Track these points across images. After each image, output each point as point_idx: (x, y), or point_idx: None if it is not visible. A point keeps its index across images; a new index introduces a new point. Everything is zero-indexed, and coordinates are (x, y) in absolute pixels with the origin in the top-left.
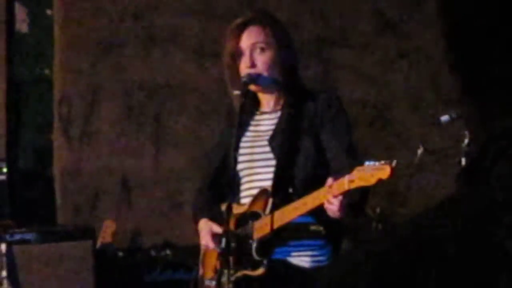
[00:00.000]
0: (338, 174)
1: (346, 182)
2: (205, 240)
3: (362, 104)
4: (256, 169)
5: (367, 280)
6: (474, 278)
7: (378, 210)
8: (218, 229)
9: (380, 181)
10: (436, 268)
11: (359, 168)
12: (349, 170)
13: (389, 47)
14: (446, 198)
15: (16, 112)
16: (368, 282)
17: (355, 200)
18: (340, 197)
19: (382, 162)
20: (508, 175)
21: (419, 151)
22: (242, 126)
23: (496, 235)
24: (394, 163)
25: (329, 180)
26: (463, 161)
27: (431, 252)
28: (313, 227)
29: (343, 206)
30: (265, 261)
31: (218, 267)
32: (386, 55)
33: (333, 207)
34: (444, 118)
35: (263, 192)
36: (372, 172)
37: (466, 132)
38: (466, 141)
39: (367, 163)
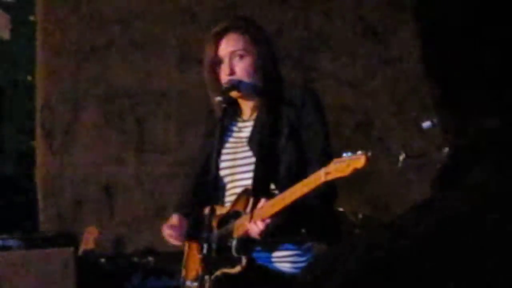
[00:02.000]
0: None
1: (323, 174)
2: (163, 229)
3: (345, 111)
4: (238, 175)
5: (336, 283)
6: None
7: (360, 216)
8: (175, 220)
9: (355, 170)
10: (408, 275)
11: (336, 160)
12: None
13: (372, 53)
14: (417, 204)
15: None
16: (339, 285)
17: (279, 222)
18: (268, 220)
19: (358, 152)
20: (482, 181)
21: (401, 157)
22: (224, 133)
23: (465, 243)
24: (369, 153)
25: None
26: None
27: (403, 259)
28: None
29: (265, 229)
30: (243, 259)
31: (200, 271)
32: (369, 62)
33: (255, 229)
34: (426, 124)
35: (244, 192)
36: (348, 162)
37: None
38: (447, 148)
39: (344, 154)
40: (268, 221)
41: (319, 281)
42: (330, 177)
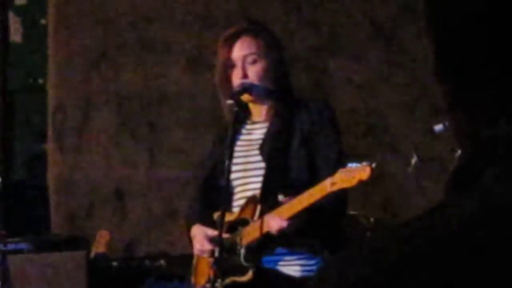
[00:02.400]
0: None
1: (329, 185)
2: (200, 244)
3: (355, 114)
4: (249, 178)
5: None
6: None
7: (372, 219)
8: (212, 232)
9: (360, 182)
10: (419, 278)
11: (341, 170)
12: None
13: (382, 56)
14: (431, 206)
15: (10, 121)
16: None
17: (298, 224)
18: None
19: (364, 163)
20: (494, 185)
21: (413, 161)
22: (235, 136)
23: (481, 244)
24: (374, 164)
25: (280, 196)
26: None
27: (414, 263)
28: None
29: (292, 227)
30: (252, 267)
31: (211, 275)
32: (379, 64)
33: (281, 224)
34: (438, 127)
35: (252, 199)
36: (353, 173)
37: None
38: (460, 151)
39: (349, 164)
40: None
41: (335, 280)
42: (335, 188)
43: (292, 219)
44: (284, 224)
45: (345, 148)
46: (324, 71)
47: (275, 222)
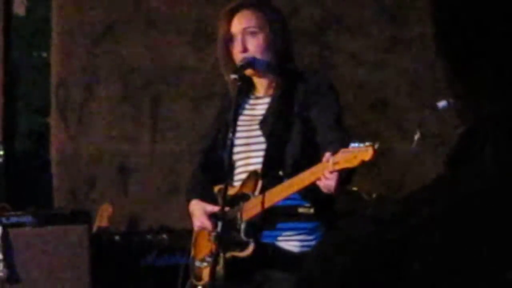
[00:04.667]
0: (331, 148)
1: (331, 164)
2: (200, 221)
3: (359, 89)
4: (251, 153)
5: (345, 266)
6: (462, 266)
7: (374, 195)
8: (211, 208)
9: (362, 162)
10: (420, 255)
11: (343, 150)
12: (338, 144)
13: (387, 32)
14: (432, 181)
15: (13, 95)
16: (346, 268)
17: (343, 177)
18: (336, 173)
19: (366, 143)
20: (494, 159)
21: (416, 137)
22: (238, 110)
23: (483, 220)
24: (376, 145)
25: (327, 155)
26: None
27: (415, 238)
28: (302, 209)
29: (338, 181)
30: (252, 242)
31: (214, 250)
32: (384, 40)
33: (330, 182)
34: (442, 103)
35: (253, 174)
36: (355, 153)
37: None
38: (463, 126)
39: (352, 144)
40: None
41: (331, 257)
42: (338, 167)
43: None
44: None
45: (348, 123)
46: (328, 46)
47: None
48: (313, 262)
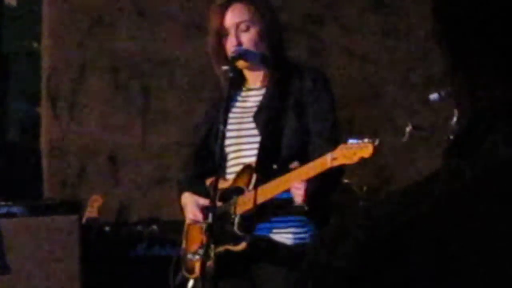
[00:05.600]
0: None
1: (329, 160)
2: (193, 214)
3: (351, 82)
4: (242, 145)
5: (347, 258)
6: (462, 259)
7: (365, 188)
8: (204, 201)
9: (362, 159)
10: (419, 247)
11: (342, 146)
12: (329, 148)
13: (379, 24)
14: (431, 174)
15: (4, 84)
16: (348, 261)
17: (315, 187)
18: (305, 183)
19: (366, 140)
20: (494, 148)
21: (408, 129)
22: (230, 102)
23: (482, 211)
24: (377, 141)
25: (295, 163)
26: (452, 138)
27: (413, 231)
28: (295, 204)
29: (307, 192)
30: (247, 237)
31: (204, 242)
32: (375, 33)
33: (299, 192)
34: (433, 96)
35: (247, 168)
36: (355, 150)
37: (455, 110)
38: (455, 118)
39: (350, 140)
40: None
41: (330, 248)
42: (336, 163)
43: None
44: (302, 191)
45: (340, 117)
46: (320, 39)
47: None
48: (318, 249)
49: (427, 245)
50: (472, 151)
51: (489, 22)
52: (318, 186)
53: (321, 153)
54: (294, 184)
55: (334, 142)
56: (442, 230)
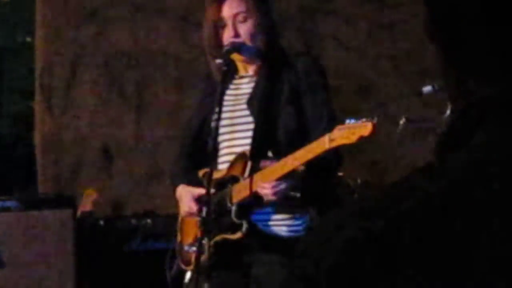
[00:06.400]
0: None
1: (327, 141)
2: (188, 206)
3: (345, 75)
4: (236, 134)
5: (338, 250)
6: (454, 254)
7: (359, 181)
8: (199, 191)
9: (361, 138)
10: (410, 241)
11: (339, 126)
12: (325, 123)
13: (373, 17)
14: (423, 166)
15: None
16: (339, 253)
17: (294, 186)
18: (274, 182)
19: (363, 119)
20: (484, 142)
21: (401, 122)
22: (223, 95)
23: (474, 205)
24: (375, 119)
25: (266, 162)
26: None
27: (406, 224)
28: (290, 193)
29: (278, 192)
30: (244, 224)
31: (199, 234)
32: (369, 26)
33: (266, 191)
34: (427, 89)
35: (241, 156)
36: (353, 129)
37: (448, 103)
38: (448, 111)
39: (347, 121)
40: (279, 184)
41: (323, 243)
42: (334, 144)
43: (286, 178)
44: (270, 190)
45: (333, 107)
46: (314, 32)
47: (264, 191)
48: (310, 243)
49: (414, 242)
50: (462, 145)
51: (481, 17)
52: (312, 174)
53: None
54: (262, 184)
55: (332, 127)
56: (428, 227)
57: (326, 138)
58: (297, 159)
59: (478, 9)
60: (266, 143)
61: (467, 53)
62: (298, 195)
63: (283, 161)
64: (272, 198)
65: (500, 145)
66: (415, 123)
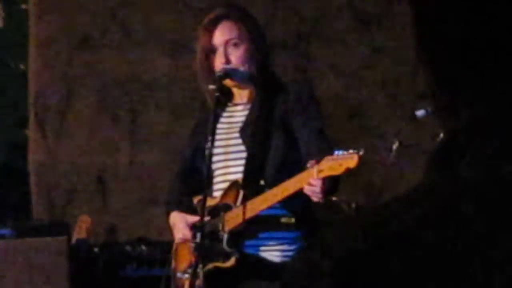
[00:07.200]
0: (314, 157)
1: (315, 172)
2: (182, 233)
3: (338, 99)
4: (230, 162)
5: (329, 271)
6: (443, 265)
7: (354, 205)
8: (192, 219)
9: (348, 170)
10: (403, 255)
11: (328, 157)
12: (321, 155)
13: (365, 42)
14: (415, 186)
15: None
16: (331, 274)
17: (329, 185)
18: (321, 179)
19: (350, 151)
20: (477, 163)
21: (394, 146)
22: (216, 121)
23: (465, 221)
24: (361, 151)
25: (312, 162)
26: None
27: (398, 240)
28: (284, 219)
29: (324, 187)
30: (235, 253)
31: (193, 261)
32: (361, 50)
33: (315, 189)
34: (420, 113)
35: (234, 184)
36: (340, 161)
37: (441, 128)
38: (441, 135)
39: (336, 152)
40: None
41: (317, 262)
42: (322, 175)
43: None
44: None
45: (328, 133)
46: (307, 57)
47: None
48: (298, 267)
49: (408, 257)
50: (451, 167)
51: (471, 43)
52: (331, 185)
53: (319, 153)
54: (309, 181)
55: (327, 144)
56: (422, 243)
57: (314, 169)
58: (287, 190)
59: (468, 36)
60: (258, 172)
61: (458, 78)
62: (293, 220)
63: (273, 190)
64: (320, 196)
65: (486, 165)
66: (408, 147)
